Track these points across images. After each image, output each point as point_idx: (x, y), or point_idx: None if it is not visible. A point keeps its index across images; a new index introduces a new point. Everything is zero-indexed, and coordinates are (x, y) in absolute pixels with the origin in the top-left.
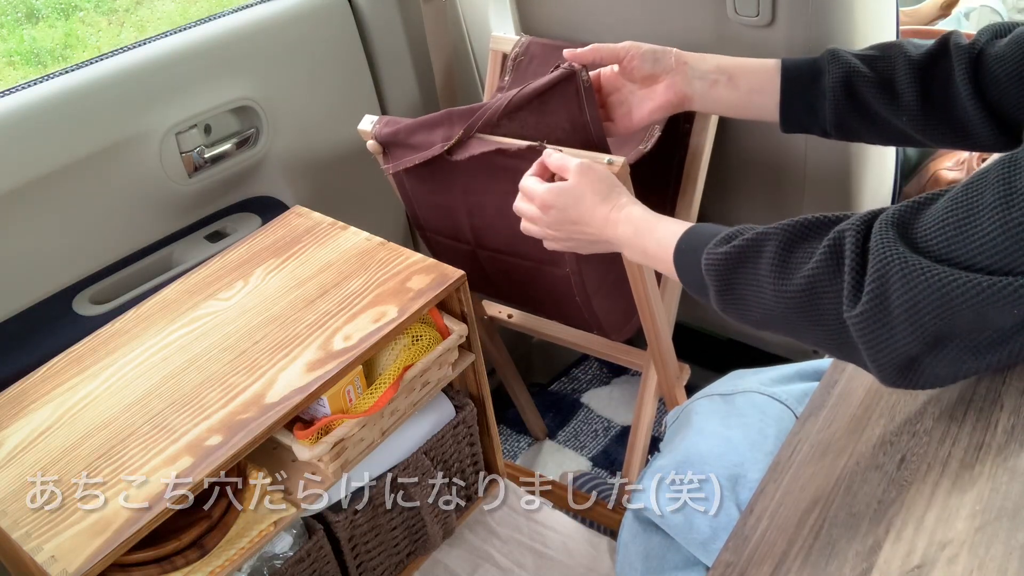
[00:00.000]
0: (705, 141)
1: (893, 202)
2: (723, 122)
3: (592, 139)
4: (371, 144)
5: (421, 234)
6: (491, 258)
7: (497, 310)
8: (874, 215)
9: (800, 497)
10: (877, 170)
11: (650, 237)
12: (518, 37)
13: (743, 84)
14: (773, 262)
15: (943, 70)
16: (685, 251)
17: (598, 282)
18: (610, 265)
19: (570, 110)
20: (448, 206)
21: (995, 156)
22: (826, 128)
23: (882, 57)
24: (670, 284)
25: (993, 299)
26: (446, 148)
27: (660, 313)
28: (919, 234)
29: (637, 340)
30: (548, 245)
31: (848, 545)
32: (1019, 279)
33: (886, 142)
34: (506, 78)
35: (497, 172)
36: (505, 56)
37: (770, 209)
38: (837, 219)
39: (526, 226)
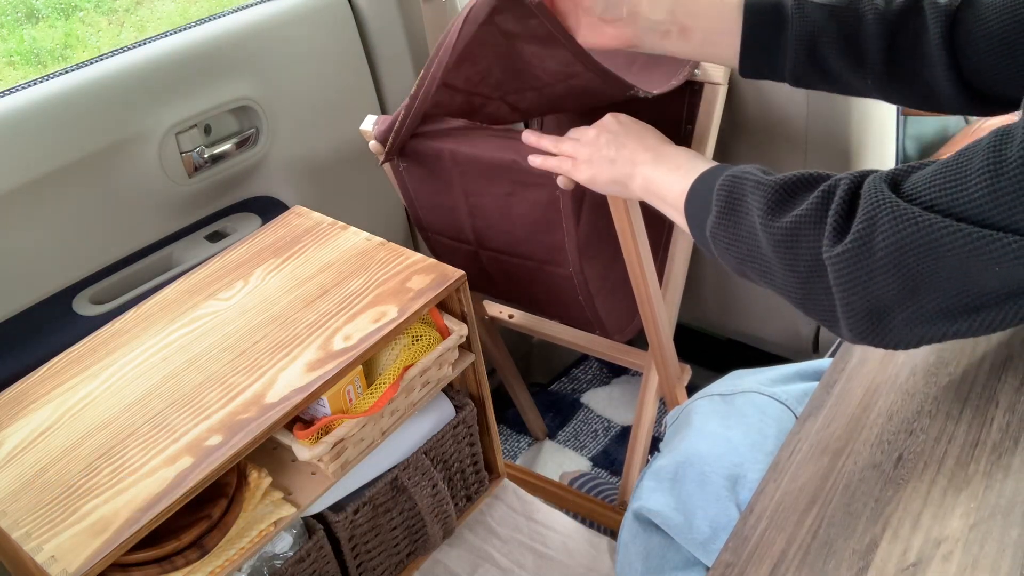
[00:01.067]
0: (711, 125)
1: None
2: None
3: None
4: (373, 145)
5: (423, 234)
6: (493, 258)
7: (498, 310)
8: (869, 172)
9: (799, 497)
10: (877, 167)
11: (673, 161)
12: None
13: (697, 35)
14: (769, 199)
15: (913, 28)
16: (708, 174)
17: (600, 282)
18: (612, 264)
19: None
20: (450, 206)
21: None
22: (785, 79)
23: (850, 9)
24: (672, 285)
25: (978, 251)
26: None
27: (662, 313)
28: (908, 188)
29: (638, 341)
30: (568, 168)
31: (845, 544)
32: (1006, 235)
33: (847, 94)
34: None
35: (496, 173)
36: None
37: None
38: (840, 175)
39: (561, 162)
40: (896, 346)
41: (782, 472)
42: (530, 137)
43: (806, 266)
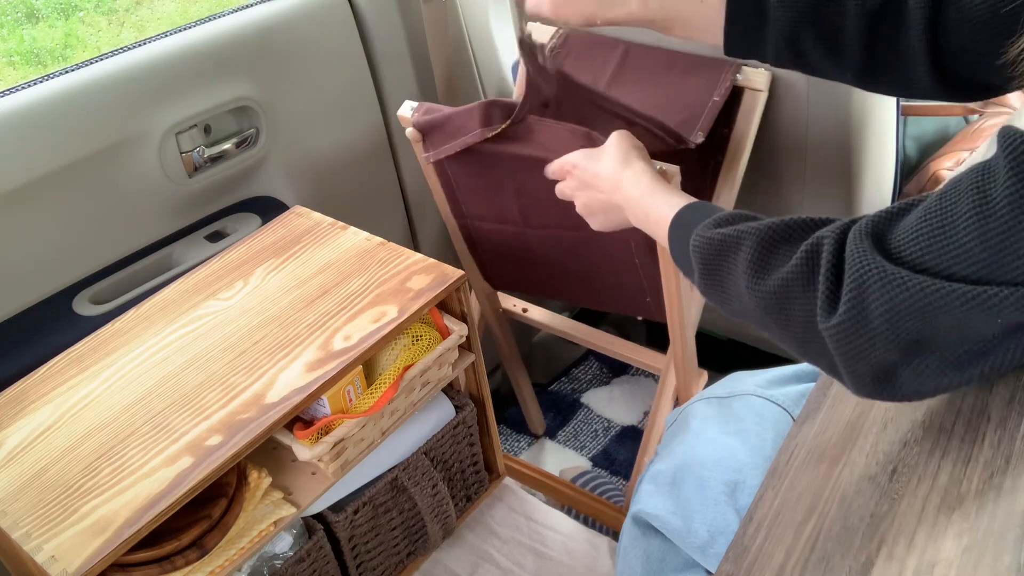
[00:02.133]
0: (749, 132)
1: (893, 201)
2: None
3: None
4: (410, 132)
5: (460, 223)
6: (541, 236)
7: (512, 303)
8: (852, 223)
9: (797, 506)
10: (877, 169)
11: (654, 202)
12: (556, 29)
13: (678, 27)
14: (751, 258)
15: (894, 21)
16: (679, 225)
17: (654, 245)
18: None
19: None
20: (494, 187)
21: (968, 164)
22: (767, 64)
23: (832, 2)
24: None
25: (976, 308)
26: (491, 135)
27: (689, 315)
28: (894, 244)
29: (655, 342)
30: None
31: (842, 561)
32: (1002, 289)
33: (825, 78)
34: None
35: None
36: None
37: (769, 212)
38: (821, 223)
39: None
40: (907, 400)
41: (780, 478)
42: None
43: (801, 327)
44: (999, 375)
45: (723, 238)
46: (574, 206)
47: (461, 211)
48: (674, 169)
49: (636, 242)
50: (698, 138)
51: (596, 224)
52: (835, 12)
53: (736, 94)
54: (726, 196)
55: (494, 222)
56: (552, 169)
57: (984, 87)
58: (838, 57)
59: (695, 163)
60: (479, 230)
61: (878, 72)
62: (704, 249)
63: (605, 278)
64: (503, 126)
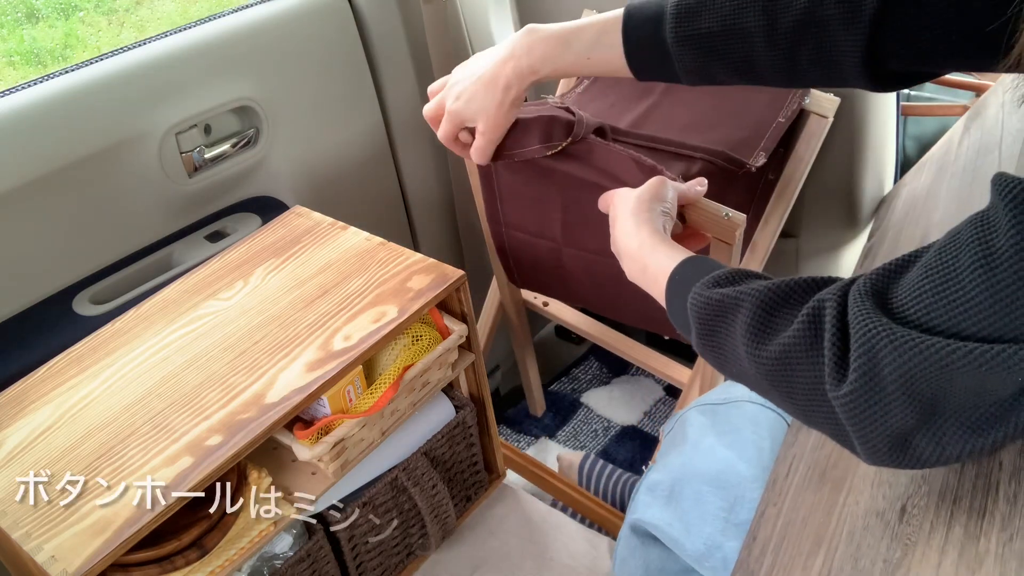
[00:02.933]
0: (808, 156)
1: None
2: None
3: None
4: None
5: (494, 229)
6: (578, 257)
7: (532, 296)
8: (851, 284)
9: (802, 532)
10: (877, 169)
11: (652, 256)
12: None
13: (593, 70)
14: (750, 323)
15: (816, 42)
16: (678, 281)
17: None
18: None
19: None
20: (540, 199)
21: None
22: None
23: (733, 34)
24: None
25: (993, 369)
26: (550, 153)
27: None
28: (897, 303)
29: (682, 354)
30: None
31: None
32: (1019, 347)
33: None
34: (583, 82)
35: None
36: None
37: (769, 212)
38: (823, 283)
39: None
40: (926, 467)
41: (781, 495)
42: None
43: (804, 395)
44: (1021, 438)
45: (721, 299)
46: None
47: (498, 217)
48: (741, 218)
49: None
50: (759, 160)
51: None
52: (738, 44)
53: (801, 114)
54: (776, 218)
55: (531, 234)
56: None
57: (923, 76)
58: (756, 79)
59: (744, 178)
60: (513, 238)
61: (802, 79)
62: (702, 309)
63: (631, 300)
64: (564, 144)
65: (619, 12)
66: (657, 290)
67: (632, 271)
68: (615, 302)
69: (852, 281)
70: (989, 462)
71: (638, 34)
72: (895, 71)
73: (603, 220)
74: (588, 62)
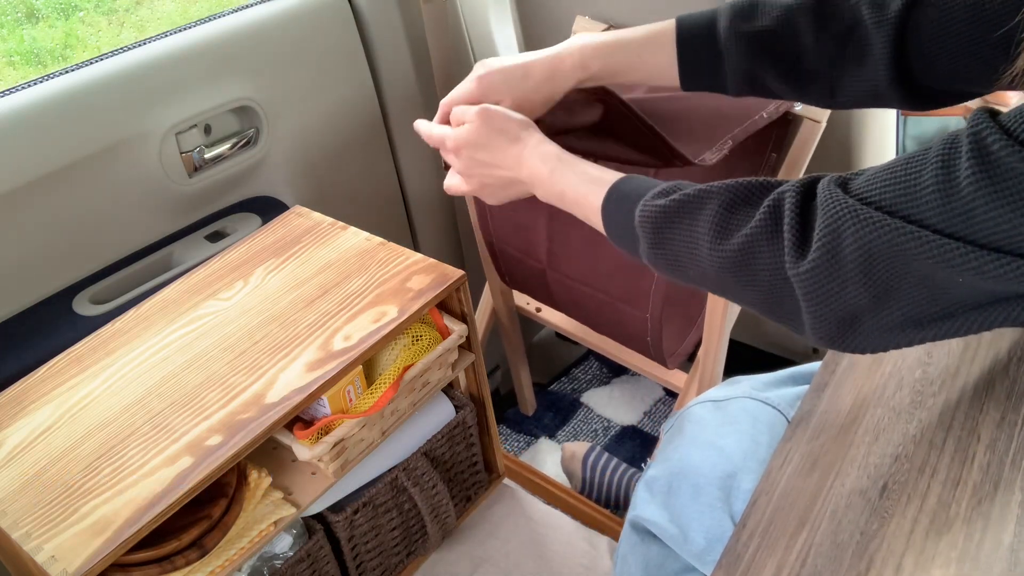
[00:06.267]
0: (801, 161)
1: None
2: None
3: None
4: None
5: (487, 239)
6: (563, 282)
7: (525, 301)
8: (814, 179)
9: (789, 515)
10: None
11: (569, 179)
12: (604, 26)
13: (628, 80)
14: (712, 221)
15: (856, 50)
16: (616, 199)
17: (668, 321)
18: (686, 304)
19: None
20: (528, 226)
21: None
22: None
23: (784, 35)
24: (729, 321)
25: (941, 259)
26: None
27: (724, 346)
28: (858, 190)
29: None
30: (461, 189)
31: None
32: (965, 246)
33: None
34: None
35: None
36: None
37: None
38: (779, 183)
39: (451, 186)
40: (863, 351)
41: (774, 484)
42: (420, 126)
43: (767, 281)
44: (953, 337)
45: (678, 206)
46: (603, 265)
47: (489, 232)
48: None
49: (653, 315)
50: (711, 158)
51: (492, 200)
52: (789, 47)
53: (793, 120)
54: None
55: (520, 253)
56: (433, 133)
57: (960, 95)
58: (800, 86)
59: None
60: (504, 252)
61: (844, 94)
62: (656, 218)
63: (613, 322)
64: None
65: (670, 20)
66: (583, 211)
67: (549, 197)
68: (597, 318)
69: (816, 178)
70: (968, 436)
71: (692, 33)
72: (926, 86)
73: (588, 250)
74: (640, 60)
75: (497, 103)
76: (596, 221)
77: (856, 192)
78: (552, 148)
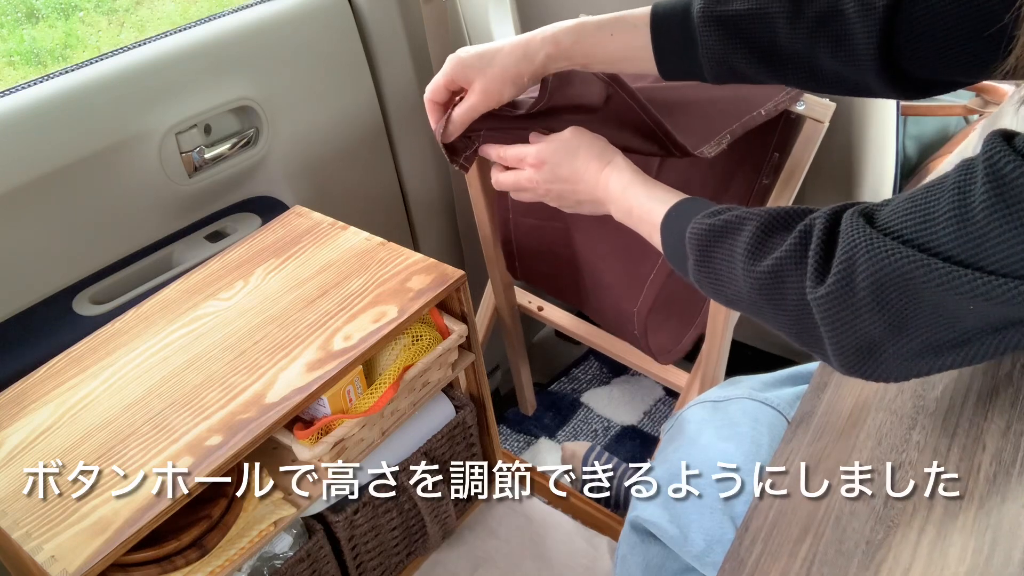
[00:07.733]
0: (804, 161)
1: None
2: None
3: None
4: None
5: (501, 217)
6: (583, 238)
7: (527, 300)
8: (844, 207)
9: (792, 521)
10: (877, 170)
11: (638, 197)
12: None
13: (600, 66)
14: (749, 243)
15: (836, 34)
16: (674, 218)
17: (655, 318)
18: (683, 310)
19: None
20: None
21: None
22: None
23: (757, 18)
24: (731, 322)
25: (949, 287)
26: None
27: (727, 346)
28: (882, 221)
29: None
30: (526, 197)
31: None
32: (973, 273)
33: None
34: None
35: None
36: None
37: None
38: (815, 210)
39: (517, 193)
40: (887, 379)
41: (776, 488)
42: (489, 151)
43: (794, 306)
44: (972, 364)
45: (723, 224)
46: (609, 248)
47: (506, 204)
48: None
49: (640, 310)
50: (709, 151)
51: (569, 211)
52: (762, 31)
53: (796, 120)
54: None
55: (540, 219)
56: (505, 180)
57: (946, 84)
58: (777, 70)
59: (742, 182)
60: (521, 226)
61: (824, 81)
62: (702, 236)
63: (613, 302)
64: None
65: (647, 7)
66: (647, 228)
67: (619, 213)
68: (599, 300)
69: (846, 206)
70: (974, 444)
71: (666, 15)
72: (913, 76)
73: (604, 225)
74: (611, 39)
75: (471, 82)
76: (656, 239)
77: (881, 223)
78: (629, 169)
